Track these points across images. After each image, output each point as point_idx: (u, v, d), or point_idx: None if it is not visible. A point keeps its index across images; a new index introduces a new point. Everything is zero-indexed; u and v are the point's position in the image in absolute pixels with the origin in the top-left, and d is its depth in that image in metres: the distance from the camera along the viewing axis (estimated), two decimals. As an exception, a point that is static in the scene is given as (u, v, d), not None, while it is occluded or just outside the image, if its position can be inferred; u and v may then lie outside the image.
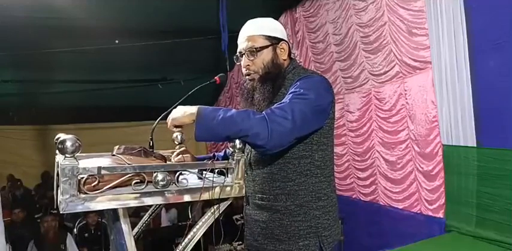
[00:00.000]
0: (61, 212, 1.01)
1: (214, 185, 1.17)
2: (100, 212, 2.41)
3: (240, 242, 3.63)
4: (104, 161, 1.15)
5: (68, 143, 0.94)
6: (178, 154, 1.41)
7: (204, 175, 1.19)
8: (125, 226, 1.13)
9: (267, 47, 1.38)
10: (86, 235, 4.25)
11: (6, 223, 2.70)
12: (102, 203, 1.03)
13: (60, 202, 1.00)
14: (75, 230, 4.31)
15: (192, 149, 1.50)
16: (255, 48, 1.37)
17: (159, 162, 1.21)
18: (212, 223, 1.23)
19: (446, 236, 3.12)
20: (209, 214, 1.23)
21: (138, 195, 1.08)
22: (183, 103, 1.27)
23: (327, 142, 1.35)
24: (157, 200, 1.12)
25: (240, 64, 1.43)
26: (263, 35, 1.38)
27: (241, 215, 2.90)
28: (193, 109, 1.17)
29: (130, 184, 1.08)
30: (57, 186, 1.08)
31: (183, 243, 1.20)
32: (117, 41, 4.50)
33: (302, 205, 1.31)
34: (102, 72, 6.24)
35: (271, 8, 5.11)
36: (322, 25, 4.56)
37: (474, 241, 2.89)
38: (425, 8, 3.20)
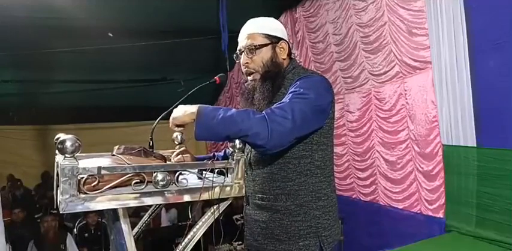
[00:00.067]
0: (61, 212, 1.01)
1: (214, 185, 1.17)
2: (100, 212, 2.41)
3: (240, 242, 3.63)
4: (103, 161, 1.15)
5: (68, 143, 0.94)
6: (178, 154, 1.41)
7: (204, 175, 1.19)
8: (125, 226, 1.13)
9: (266, 45, 1.38)
10: (86, 235, 4.25)
11: (6, 223, 2.70)
12: (102, 203, 1.03)
13: (60, 202, 1.00)
14: (75, 230, 4.31)
15: (192, 149, 1.50)
16: (254, 46, 1.37)
17: (159, 162, 1.21)
18: (212, 223, 1.23)
19: (446, 236, 3.12)
20: (209, 214, 1.23)
21: (138, 195, 1.08)
22: (183, 103, 1.27)
23: (327, 142, 1.35)
24: (157, 200, 1.12)
25: (240, 62, 1.44)
26: (263, 34, 1.39)
27: (241, 215, 2.91)
28: (193, 108, 1.17)
29: (130, 184, 1.08)
30: (57, 186, 1.08)
31: (183, 243, 1.20)
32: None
33: (302, 205, 1.31)
34: (102, 72, 6.24)
35: (271, 8, 5.11)
36: (322, 25, 4.56)
37: (474, 241, 2.89)
38: (425, 8, 3.20)
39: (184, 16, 4.73)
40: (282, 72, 1.40)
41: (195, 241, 1.21)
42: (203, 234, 1.22)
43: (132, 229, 1.28)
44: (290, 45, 1.46)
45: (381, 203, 3.99)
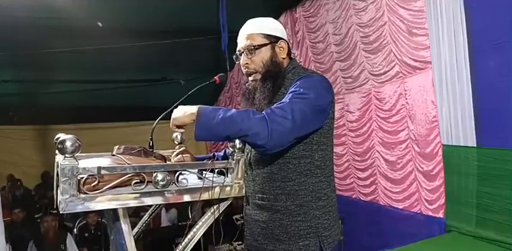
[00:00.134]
0: (61, 212, 1.01)
1: (214, 185, 1.17)
2: (100, 212, 2.41)
3: (240, 242, 3.63)
4: (103, 161, 1.15)
5: (68, 143, 0.94)
6: (178, 154, 1.41)
7: (204, 175, 1.19)
8: (125, 226, 1.13)
9: (265, 45, 1.38)
10: (86, 234, 4.25)
11: (6, 223, 2.70)
12: (102, 203, 1.03)
13: (60, 202, 1.00)
14: (75, 230, 4.31)
15: (192, 149, 1.50)
16: (253, 46, 1.37)
17: (159, 162, 1.21)
18: (212, 223, 1.23)
19: (446, 236, 3.12)
20: (209, 214, 1.23)
21: (138, 195, 1.08)
22: (183, 103, 1.27)
23: (327, 142, 1.35)
24: (157, 200, 1.12)
25: (240, 63, 1.44)
26: (262, 34, 1.39)
27: (241, 215, 2.90)
28: (193, 109, 1.17)
29: (130, 184, 1.08)
30: (57, 186, 1.08)
31: (183, 243, 1.20)
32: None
33: (302, 205, 1.31)
34: (102, 72, 6.24)
35: (271, 8, 5.11)
36: (322, 25, 4.56)
37: (474, 241, 2.89)
38: (425, 8, 3.20)
39: (184, 16, 4.73)
40: (282, 71, 1.40)
41: (195, 241, 1.21)
42: (203, 234, 1.22)
43: (132, 229, 1.28)
44: (289, 44, 1.46)
45: (381, 203, 3.99)
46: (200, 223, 1.22)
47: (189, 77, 6.28)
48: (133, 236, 1.17)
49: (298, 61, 1.52)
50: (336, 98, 1.53)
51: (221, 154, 1.62)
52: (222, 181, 1.20)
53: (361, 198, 4.30)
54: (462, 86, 2.96)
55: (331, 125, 1.37)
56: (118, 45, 4.95)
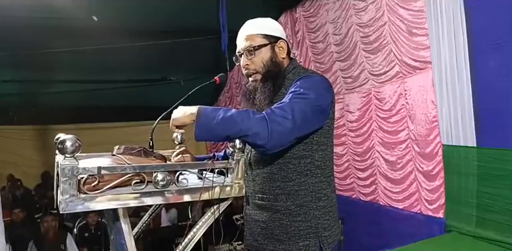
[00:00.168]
0: (61, 212, 1.01)
1: (214, 185, 1.17)
2: (100, 212, 2.41)
3: (240, 242, 3.63)
4: (104, 161, 1.15)
5: (68, 143, 0.95)
6: (178, 154, 1.41)
7: (204, 175, 1.19)
8: (125, 226, 1.13)
9: (265, 45, 1.38)
10: (86, 234, 4.25)
11: (6, 223, 2.70)
12: (102, 203, 1.03)
13: (60, 202, 1.00)
14: (75, 230, 4.31)
15: (192, 149, 1.50)
16: (253, 46, 1.37)
17: (159, 162, 1.21)
18: (212, 223, 1.23)
19: (446, 236, 3.12)
20: (209, 214, 1.23)
21: (138, 195, 1.08)
22: (183, 103, 1.27)
23: (327, 142, 1.35)
24: (157, 200, 1.12)
25: (240, 64, 1.44)
26: (261, 34, 1.39)
27: (241, 215, 2.90)
28: (193, 109, 1.17)
29: (130, 184, 1.08)
30: (57, 186, 1.08)
31: (183, 243, 1.20)
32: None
33: (302, 205, 1.31)
34: (102, 72, 6.23)
35: (271, 8, 5.11)
36: (322, 25, 4.56)
37: (474, 241, 2.89)
38: (425, 8, 3.20)
39: (184, 16, 4.73)
40: (283, 71, 1.39)
41: (195, 241, 1.21)
42: (203, 234, 1.22)
43: (132, 229, 1.28)
44: (289, 44, 1.46)
45: (381, 203, 3.99)
46: (200, 223, 1.22)
47: (189, 77, 6.27)
48: (134, 236, 1.17)
49: (298, 61, 1.52)
50: (336, 98, 1.53)
51: (221, 154, 1.62)
52: (222, 181, 1.20)
53: (361, 198, 4.30)
54: (462, 86, 2.96)
55: (332, 125, 1.37)
56: (118, 45, 4.95)
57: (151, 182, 1.10)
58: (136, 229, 1.54)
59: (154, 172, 1.10)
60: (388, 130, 3.84)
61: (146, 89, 6.82)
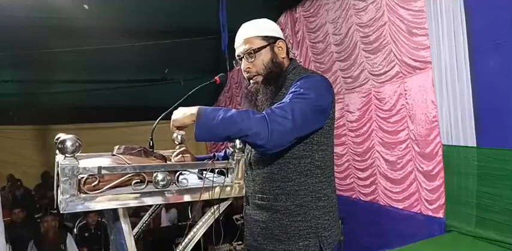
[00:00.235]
0: (61, 212, 1.01)
1: (214, 185, 1.17)
2: (100, 212, 2.41)
3: (240, 242, 3.63)
4: (104, 161, 1.15)
5: (68, 143, 0.94)
6: (178, 154, 1.41)
7: (204, 175, 1.19)
8: (125, 226, 1.13)
9: (264, 47, 1.38)
10: (86, 234, 4.26)
11: (6, 223, 2.70)
12: (102, 203, 1.03)
13: (60, 201, 1.00)
14: (75, 230, 4.31)
15: (192, 149, 1.50)
16: (253, 49, 1.37)
17: (159, 162, 1.21)
18: (212, 223, 1.23)
19: (446, 236, 3.12)
20: (209, 214, 1.23)
21: (138, 195, 1.08)
22: (183, 103, 1.27)
23: (327, 142, 1.35)
24: (157, 200, 1.12)
25: (240, 68, 1.43)
26: (259, 36, 1.39)
27: (241, 215, 2.90)
28: (193, 110, 1.17)
29: (131, 184, 1.08)
30: (57, 186, 1.08)
31: (183, 243, 1.20)
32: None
33: (302, 205, 1.31)
34: (102, 72, 6.24)
35: (271, 8, 5.11)
36: (322, 25, 4.56)
37: (474, 241, 2.89)
38: (425, 8, 3.20)
39: (184, 16, 4.73)
40: (284, 72, 1.39)
41: (195, 241, 1.21)
42: (203, 234, 1.22)
43: (132, 229, 1.28)
44: (287, 43, 1.46)
45: (381, 203, 3.99)
46: (200, 223, 1.22)
47: (189, 77, 6.28)
48: (134, 236, 1.17)
49: (298, 61, 1.52)
50: (336, 98, 1.52)
51: (221, 154, 1.62)
52: (222, 181, 1.20)
53: (361, 198, 4.30)
54: (462, 86, 2.96)
55: (332, 126, 1.37)
56: (118, 45, 4.95)
57: (151, 182, 1.10)
58: (136, 229, 1.54)
59: (155, 172, 1.10)
60: (388, 130, 3.84)
61: (146, 89, 6.83)
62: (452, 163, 3.10)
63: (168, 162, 1.29)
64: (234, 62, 1.47)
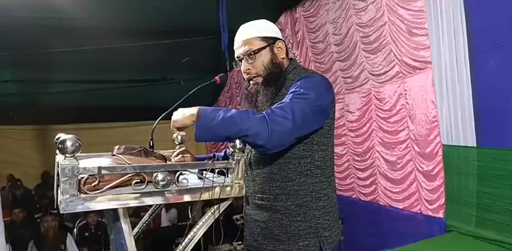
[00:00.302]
0: (61, 212, 1.01)
1: (214, 185, 1.17)
2: (100, 212, 2.41)
3: (240, 242, 3.63)
4: (104, 161, 1.15)
5: (68, 143, 0.94)
6: (178, 154, 1.41)
7: (204, 175, 1.19)
8: (125, 226, 1.13)
9: (264, 48, 1.38)
10: (87, 234, 4.26)
11: (6, 223, 2.70)
12: (102, 203, 1.03)
13: (60, 201, 1.00)
14: (75, 229, 4.31)
15: (192, 149, 1.50)
16: (253, 50, 1.37)
17: (159, 162, 1.21)
18: (212, 223, 1.23)
19: (446, 236, 3.12)
20: (209, 214, 1.23)
21: (138, 195, 1.08)
22: (183, 103, 1.27)
23: (327, 142, 1.35)
24: (157, 200, 1.12)
25: (240, 69, 1.43)
26: (258, 37, 1.39)
27: (241, 215, 2.90)
28: (193, 110, 1.17)
29: (131, 184, 1.08)
30: (57, 186, 1.08)
31: (183, 243, 1.20)
32: None
33: (302, 205, 1.31)
34: (102, 72, 6.24)
35: (271, 8, 5.11)
36: (322, 25, 4.56)
37: (474, 241, 2.89)
38: (425, 8, 3.20)
39: (184, 16, 4.73)
40: (283, 72, 1.39)
41: (195, 241, 1.20)
42: (203, 234, 1.22)
43: (132, 229, 1.28)
44: (286, 43, 1.46)
45: (381, 203, 3.99)
46: (200, 223, 1.22)
47: (189, 77, 6.28)
48: (134, 236, 1.17)
49: (298, 61, 1.52)
50: (336, 98, 1.52)
51: (221, 154, 1.62)
52: (222, 181, 1.20)
53: (361, 198, 4.30)
54: (462, 86, 2.96)
55: (332, 126, 1.37)
56: (118, 45, 4.95)
57: (151, 182, 1.10)
58: (136, 229, 1.54)
59: (155, 172, 1.10)
60: (388, 130, 3.84)
61: (146, 89, 6.83)
62: (452, 163, 3.10)
63: (168, 162, 1.30)
64: (233, 63, 1.47)
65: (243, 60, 1.41)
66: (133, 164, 1.09)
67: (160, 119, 1.37)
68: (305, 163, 1.31)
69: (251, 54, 1.37)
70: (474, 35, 2.84)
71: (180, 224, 4.69)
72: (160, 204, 1.41)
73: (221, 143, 6.72)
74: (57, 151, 1.01)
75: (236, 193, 1.23)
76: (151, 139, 1.36)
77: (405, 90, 3.59)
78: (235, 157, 1.21)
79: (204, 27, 5.09)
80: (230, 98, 7.27)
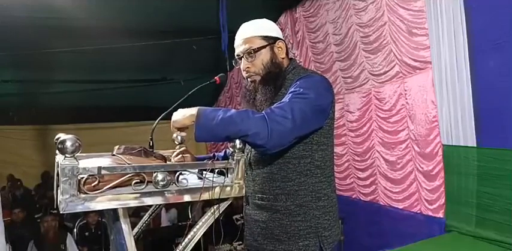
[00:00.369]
0: (61, 212, 1.01)
1: (214, 185, 1.17)
2: (100, 212, 2.41)
3: (240, 242, 3.63)
4: (104, 161, 1.15)
5: (68, 143, 0.95)
6: (178, 154, 1.41)
7: (204, 175, 1.19)
8: (125, 226, 1.13)
9: (264, 47, 1.38)
10: (87, 233, 4.26)
11: (6, 223, 2.71)
12: (102, 203, 1.03)
13: (60, 202, 1.00)
14: (75, 229, 4.31)
15: (192, 149, 1.50)
16: (253, 49, 1.37)
17: (159, 162, 1.21)
18: (212, 223, 1.23)
19: (446, 236, 3.12)
20: (209, 214, 1.23)
21: (138, 195, 1.08)
22: (183, 103, 1.27)
23: (327, 142, 1.35)
24: (157, 200, 1.12)
25: (240, 67, 1.43)
26: (259, 36, 1.39)
27: (241, 215, 2.90)
28: (193, 110, 1.17)
29: (130, 184, 1.08)
30: (57, 186, 1.08)
31: (183, 243, 1.20)
32: None
33: (302, 205, 1.31)
34: (102, 72, 6.24)
35: (271, 8, 5.11)
36: (322, 25, 4.56)
37: (474, 241, 2.89)
38: (425, 8, 3.20)
39: (184, 16, 4.73)
40: (283, 72, 1.39)
41: (195, 241, 1.21)
42: (203, 234, 1.22)
43: (132, 229, 1.28)
44: (287, 43, 1.46)
45: (381, 203, 3.99)
46: (200, 223, 1.22)
47: (189, 77, 6.28)
48: (134, 236, 1.17)
49: (298, 61, 1.52)
50: (336, 98, 1.53)
51: (221, 154, 1.62)
52: (222, 181, 1.20)
53: (361, 198, 4.30)
54: (462, 86, 2.96)
55: (332, 125, 1.37)
56: (118, 45, 4.95)
57: (151, 182, 1.10)
58: (136, 229, 1.54)
59: (155, 172, 1.10)
60: (388, 130, 3.84)
61: (146, 89, 6.83)
62: (452, 163, 3.10)
63: (168, 162, 1.30)
64: (233, 61, 1.47)
65: (242, 59, 1.41)
66: (133, 164, 1.09)
67: (160, 119, 1.37)
68: (305, 162, 1.31)
69: (251, 53, 1.37)
70: (474, 35, 2.84)
71: (180, 224, 4.69)
72: (160, 204, 1.41)
73: (221, 143, 6.72)
74: (57, 151, 1.01)
75: (236, 193, 1.23)
76: (151, 139, 1.36)
77: (405, 90, 3.59)
78: (235, 157, 1.21)
79: (204, 27, 5.09)
80: (230, 98, 7.27)
